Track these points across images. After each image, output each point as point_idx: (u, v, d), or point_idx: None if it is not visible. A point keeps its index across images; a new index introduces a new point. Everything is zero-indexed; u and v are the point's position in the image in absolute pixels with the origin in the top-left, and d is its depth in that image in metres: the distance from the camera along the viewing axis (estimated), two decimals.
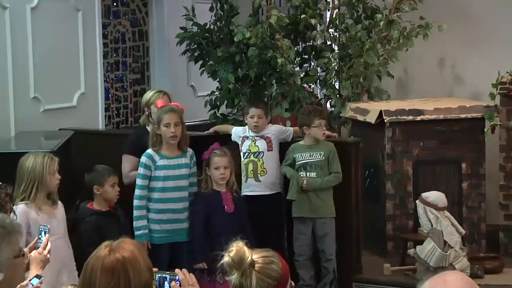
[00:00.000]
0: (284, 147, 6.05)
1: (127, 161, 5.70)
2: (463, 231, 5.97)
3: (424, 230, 5.90)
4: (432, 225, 5.82)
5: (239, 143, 6.00)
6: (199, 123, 7.77)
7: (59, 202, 4.87)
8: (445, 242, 5.80)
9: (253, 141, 5.94)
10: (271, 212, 5.88)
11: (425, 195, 5.93)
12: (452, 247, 5.79)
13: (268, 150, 5.92)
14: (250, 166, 5.90)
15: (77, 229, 5.15)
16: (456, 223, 5.94)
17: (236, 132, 6.08)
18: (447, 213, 5.91)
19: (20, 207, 4.55)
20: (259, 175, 5.89)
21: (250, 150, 5.93)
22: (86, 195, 5.29)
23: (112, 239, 2.58)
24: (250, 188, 5.87)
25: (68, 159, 6.13)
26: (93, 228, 5.04)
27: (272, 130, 6.01)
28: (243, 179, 5.88)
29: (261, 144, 5.92)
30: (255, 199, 5.81)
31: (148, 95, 5.89)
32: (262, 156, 5.91)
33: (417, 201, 5.98)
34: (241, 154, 5.92)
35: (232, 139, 6.06)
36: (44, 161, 4.66)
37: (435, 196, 5.91)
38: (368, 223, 6.53)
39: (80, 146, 6.42)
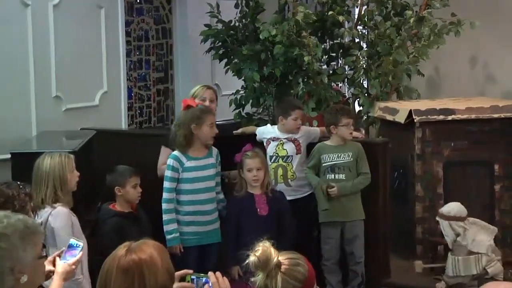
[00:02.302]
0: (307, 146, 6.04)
1: (163, 153, 5.73)
2: (495, 228, 5.97)
3: (450, 245, 5.93)
4: (456, 237, 5.86)
5: (264, 144, 6.00)
6: (223, 122, 7.80)
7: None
8: (472, 253, 5.82)
9: (281, 143, 5.89)
10: (303, 215, 5.87)
11: (446, 210, 5.96)
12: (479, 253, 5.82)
13: (297, 154, 5.90)
14: (280, 171, 5.87)
15: (99, 231, 5.18)
16: (484, 224, 5.94)
17: (264, 132, 6.05)
18: (471, 220, 5.93)
19: (61, 210, 4.57)
20: (289, 180, 5.87)
21: (277, 154, 5.88)
22: (108, 196, 5.32)
23: (134, 241, 2.62)
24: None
25: (90, 160, 6.18)
26: (114, 229, 5.05)
27: (301, 133, 5.96)
28: (272, 183, 5.86)
29: (290, 148, 5.88)
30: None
31: (194, 89, 5.91)
32: (291, 160, 5.88)
33: (438, 218, 5.99)
34: (267, 157, 5.87)
35: (257, 139, 6.04)
36: (62, 160, 4.68)
37: (456, 208, 5.96)
38: (397, 226, 6.51)
39: (102, 146, 6.46)
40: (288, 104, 6.01)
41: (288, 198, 5.78)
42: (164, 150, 5.74)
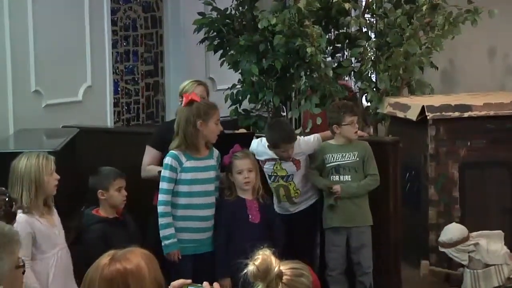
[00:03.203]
0: None
1: (148, 153, 5.74)
2: (501, 232, 5.98)
3: (467, 264, 5.96)
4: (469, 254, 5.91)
5: (260, 162, 5.77)
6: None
7: (54, 209, 4.88)
8: (488, 264, 5.83)
9: (278, 163, 5.79)
10: (306, 223, 5.85)
11: (446, 238, 5.98)
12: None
13: (297, 170, 5.84)
14: (282, 191, 5.81)
15: (82, 238, 5.16)
16: (489, 232, 5.95)
17: (256, 153, 5.81)
18: (474, 234, 5.95)
19: (21, 217, 4.55)
20: (293, 198, 5.83)
21: (276, 173, 5.80)
22: (92, 200, 5.31)
23: (120, 249, 2.61)
24: (285, 208, 5.82)
25: (73, 160, 6.17)
26: (99, 237, 5.04)
27: (299, 151, 5.81)
28: (275, 200, 5.82)
29: (289, 167, 5.79)
30: (291, 217, 5.79)
31: (183, 84, 5.90)
32: (293, 179, 5.82)
33: (443, 250, 6.00)
34: (266, 174, 5.80)
35: (251, 149, 5.83)
36: (39, 161, 4.68)
37: (456, 231, 5.98)
38: (408, 233, 6.50)
39: (86, 146, 6.45)
40: (277, 137, 5.73)
41: (294, 212, 5.81)
42: (148, 150, 5.74)
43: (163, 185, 5.30)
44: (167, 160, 5.30)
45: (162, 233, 5.26)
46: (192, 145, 5.29)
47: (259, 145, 5.90)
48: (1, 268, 2.80)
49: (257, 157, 5.82)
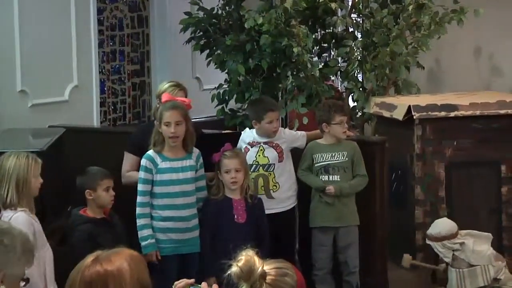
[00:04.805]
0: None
1: (126, 159, 5.75)
2: (489, 234, 6.00)
3: (450, 262, 5.97)
4: (453, 253, 5.91)
5: (242, 150, 5.80)
6: (205, 119, 7.79)
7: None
8: (471, 265, 5.86)
9: (261, 150, 5.80)
10: (284, 229, 5.84)
11: (435, 231, 5.98)
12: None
13: (279, 161, 5.84)
14: (260, 181, 5.79)
15: (70, 239, 5.16)
16: (478, 232, 5.96)
17: (241, 139, 5.90)
18: (463, 232, 5.96)
19: (21, 216, 4.55)
20: (271, 191, 5.80)
21: (258, 162, 5.78)
22: (79, 200, 5.31)
23: (108, 249, 2.61)
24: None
25: (60, 160, 6.17)
26: (87, 237, 5.04)
27: (283, 137, 5.86)
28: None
29: (271, 154, 5.79)
30: (268, 218, 5.70)
31: (164, 86, 5.85)
32: (273, 169, 5.81)
33: (429, 242, 6.00)
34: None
35: (238, 146, 5.88)
36: (28, 162, 4.69)
37: (446, 226, 5.99)
38: (395, 232, 6.52)
39: (73, 145, 6.45)
40: (260, 107, 5.87)
41: (271, 212, 5.71)
42: (127, 156, 5.74)
43: (140, 186, 5.35)
44: (143, 161, 5.36)
45: (140, 234, 5.31)
46: (162, 146, 5.31)
47: (246, 131, 5.97)
48: (14, 269, 2.84)
49: (243, 144, 5.83)
